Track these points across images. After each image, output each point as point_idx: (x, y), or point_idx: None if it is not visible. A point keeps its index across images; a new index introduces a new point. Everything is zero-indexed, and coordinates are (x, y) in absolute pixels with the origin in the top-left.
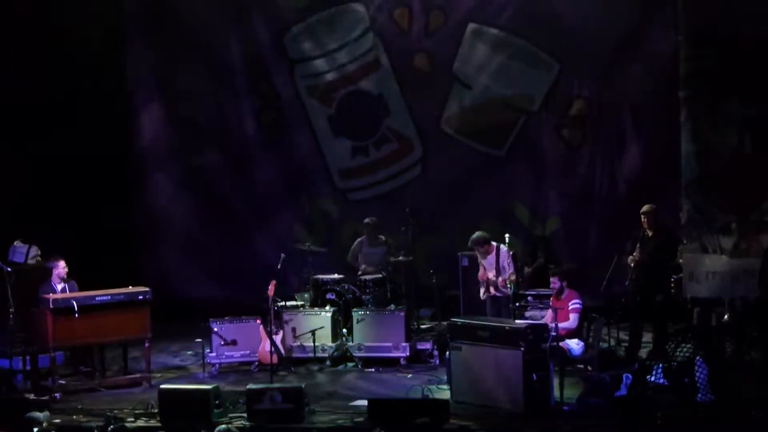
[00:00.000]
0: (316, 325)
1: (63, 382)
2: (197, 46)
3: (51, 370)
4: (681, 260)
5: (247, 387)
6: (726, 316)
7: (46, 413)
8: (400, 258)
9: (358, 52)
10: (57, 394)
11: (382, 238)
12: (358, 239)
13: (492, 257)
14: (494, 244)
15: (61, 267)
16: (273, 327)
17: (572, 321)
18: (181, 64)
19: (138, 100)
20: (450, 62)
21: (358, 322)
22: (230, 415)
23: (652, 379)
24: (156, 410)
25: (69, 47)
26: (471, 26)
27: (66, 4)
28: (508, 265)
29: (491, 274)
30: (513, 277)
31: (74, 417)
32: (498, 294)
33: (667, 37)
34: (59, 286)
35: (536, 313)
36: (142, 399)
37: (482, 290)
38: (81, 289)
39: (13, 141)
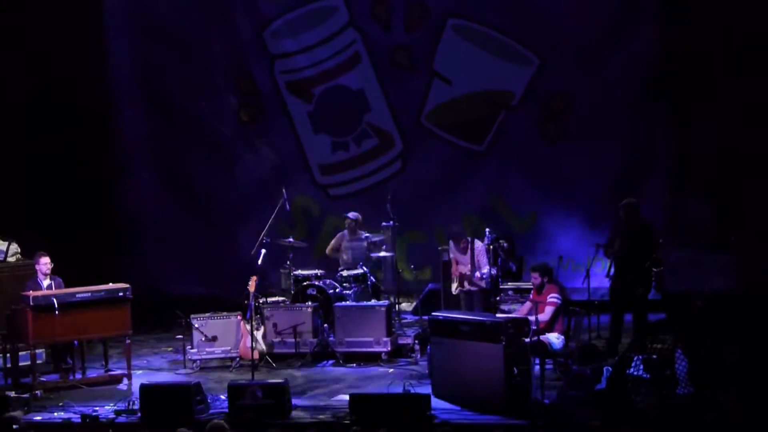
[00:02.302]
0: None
1: (44, 379)
2: (178, 43)
3: (31, 368)
4: (661, 254)
5: (229, 383)
6: (702, 307)
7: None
8: (381, 253)
9: (338, 47)
10: (37, 392)
11: (363, 233)
12: (339, 233)
13: (468, 251)
14: (469, 239)
15: (43, 263)
16: (254, 322)
17: (546, 313)
18: (162, 60)
19: (119, 98)
20: (430, 57)
21: (339, 317)
22: (211, 411)
23: (633, 371)
24: (137, 407)
25: (47, 44)
26: (451, 21)
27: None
28: (484, 260)
29: (466, 269)
30: (488, 271)
31: (55, 414)
32: (472, 288)
33: (648, 33)
34: (45, 283)
35: (513, 307)
36: (123, 396)
37: (455, 285)
38: (66, 286)
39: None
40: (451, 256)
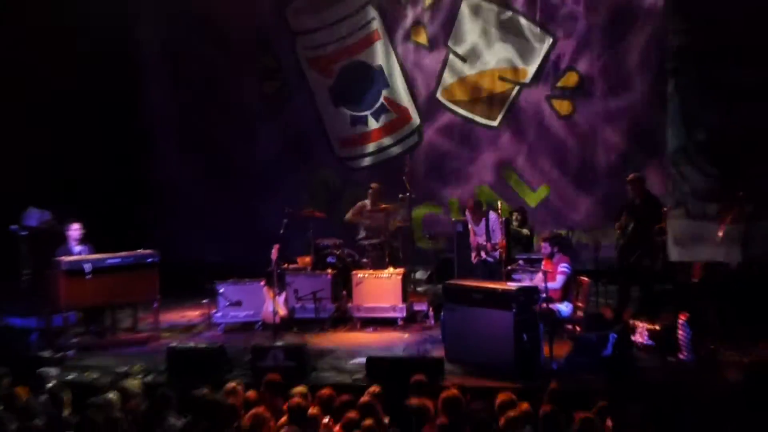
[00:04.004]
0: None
1: (76, 340)
2: (202, 19)
3: (64, 330)
4: (666, 225)
5: (252, 345)
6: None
7: (58, 369)
8: (398, 223)
9: (358, 24)
10: (70, 352)
11: (382, 204)
12: (360, 202)
13: (482, 221)
14: (485, 210)
15: (74, 229)
16: (276, 288)
17: (558, 282)
18: (187, 36)
19: (146, 72)
20: (446, 35)
21: (356, 284)
22: (234, 371)
23: (638, 338)
24: (164, 368)
25: (76, 19)
26: (466, 0)
27: None
28: (499, 230)
29: (482, 239)
30: (502, 243)
31: (86, 374)
32: (489, 259)
33: (657, 11)
34: (76, 249)
35: (525, 275)
36: (150, 357)
37: (473, 254)
38: (96, 253)
39: (34, 115)
40: (469, 226)
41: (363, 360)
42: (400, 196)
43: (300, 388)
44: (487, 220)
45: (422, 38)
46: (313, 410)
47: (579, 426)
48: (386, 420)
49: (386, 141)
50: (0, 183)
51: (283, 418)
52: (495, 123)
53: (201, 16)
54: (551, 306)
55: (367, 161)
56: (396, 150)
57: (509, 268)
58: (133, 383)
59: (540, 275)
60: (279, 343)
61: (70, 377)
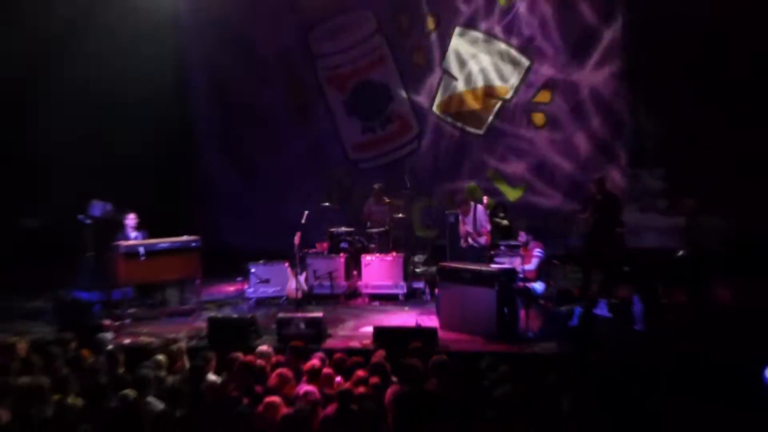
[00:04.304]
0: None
1: (132, 311)
2: (240, 44)
3: (121, 302)
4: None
5: (278, 316)
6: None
7: (115, 335)
8: (400, 215)
9: (368, 49)
10: (126, 321)
11: (386, 199)
12: (367, 201)
13: (471, 214)
14: (472, 204)
15: (131, 219)
16: (298, 269)
17: (532, 264)
18: (227, 57)
19: (194, 87)
20: (441, 58)
21: (365, 265)
22: (263, 338)
23: (599, 312)
24: (205, 334)
25: (137, 39)
26: (458, 29)
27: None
28: (485, 221)
29: (470, 228)
30: (485, 231)
31: (140, 338)
32: (475, 245)
33: (613, 41)
34: (132, 235)
35: (505, 258)
36: (194, 326)
37: (462, 241)
38: (149, 238)
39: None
40: (460, 217)
41: (370, 329)
42: (402, 192)
43: (318, 354)
44: (475, 213)
45: (421, 60)
46: (327, 370)
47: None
48: (394, 378)
49: (390, 146)
50: (72, 182)
51: (304, 378)
52: (481, 131)
53: (239, 41)
54: (527, 284)
55: (374, 163)
56: (399, 154)
57: (492, 252)
58: (179, 347)
59: (518, 259)
60: (300, 315)
61: (126, 341)
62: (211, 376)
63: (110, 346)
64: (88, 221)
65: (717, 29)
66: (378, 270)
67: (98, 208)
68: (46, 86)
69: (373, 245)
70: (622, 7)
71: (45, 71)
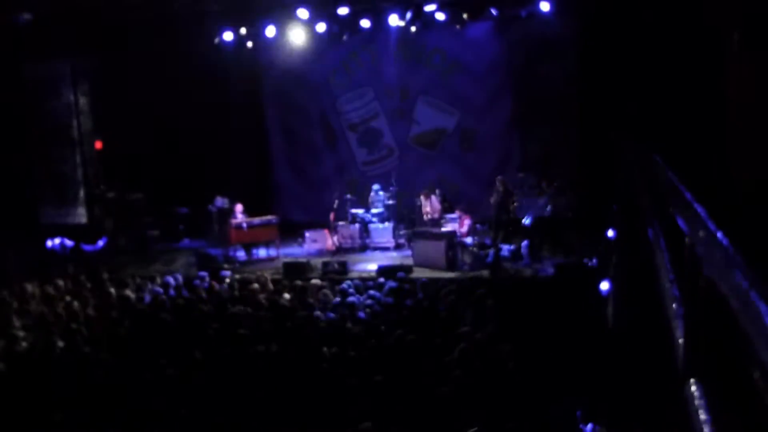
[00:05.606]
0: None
1: (242, 257)
2: (297, 105)
3: (233, 256)
4: (515, 200)
5: (321, 261)
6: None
7: (231, 272)
8: (390, 202)
9: (370, 107)
10: (237, 264)
11: (382, 192)
12: (371, 194)
13: (429, 200)
14: (430, 194)
15: (239, 207)
16: (334, 232)
17: (465, 227)
18: (289, 112)
19: (271, 129)
20: (411, 112)
21: (371, 231)
22: (314, 272)
23: (503, 253)
24: (282, 271)
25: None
26: (420, 96)
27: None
28: (437, 204)
29: (429, 208)
30: (438, 210)
31: (245, 275)
32: (432, 218)
33: (510, 98)
34: (240, 216)
35: (449, 224)
36: (275, 267)
37: (425, 216)
38: (249, 218)
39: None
40: (422, 201)
41: (374, 266)
42: (391, 188)
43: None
44: (431, 199)
45: (399, 115)
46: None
47: None
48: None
49: (384, 164)
50: (207, 183)
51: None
52: (436, 152)
53: (297, 105)
54: (462, 239)
55: (375, 172)
56: (389, 167)
57: (442, 221)
58: (266, 277)
59: (456, 225)
60: (334, 259)
61: (237, 276)
62: (286, 295)
63: (228, 279)
64: (214, 209)
65: None
66: (378, 233)
67: (219, 201)
68: None
69: (375, 219)
70: None
71: None
